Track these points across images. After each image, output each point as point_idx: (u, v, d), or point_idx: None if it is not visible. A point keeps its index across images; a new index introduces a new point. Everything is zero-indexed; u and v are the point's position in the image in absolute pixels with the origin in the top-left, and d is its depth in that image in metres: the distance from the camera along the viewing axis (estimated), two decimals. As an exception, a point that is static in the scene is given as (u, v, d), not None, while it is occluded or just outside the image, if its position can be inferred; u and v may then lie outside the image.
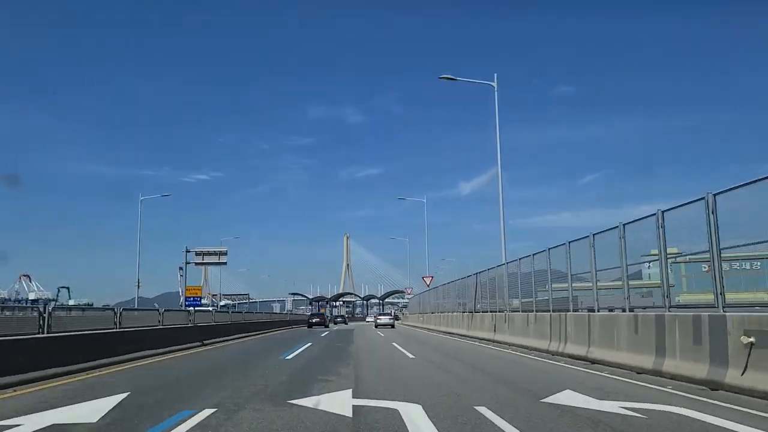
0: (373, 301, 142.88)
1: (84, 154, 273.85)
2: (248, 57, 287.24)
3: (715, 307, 8.13)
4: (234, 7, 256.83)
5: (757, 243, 7.62)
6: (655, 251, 10.01)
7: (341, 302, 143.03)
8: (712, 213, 8.21)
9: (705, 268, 8.56)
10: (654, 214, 9.81)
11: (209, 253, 55.41)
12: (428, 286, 43.15)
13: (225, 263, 57.08)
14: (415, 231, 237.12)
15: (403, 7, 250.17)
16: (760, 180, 7.30)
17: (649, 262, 10.76)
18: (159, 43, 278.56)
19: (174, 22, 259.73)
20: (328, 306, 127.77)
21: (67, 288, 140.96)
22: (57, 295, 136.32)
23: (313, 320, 53.82)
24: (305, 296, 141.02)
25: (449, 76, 24.75)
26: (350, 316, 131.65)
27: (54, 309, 11.75)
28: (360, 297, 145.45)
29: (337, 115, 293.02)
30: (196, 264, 54.64)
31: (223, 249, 56.11)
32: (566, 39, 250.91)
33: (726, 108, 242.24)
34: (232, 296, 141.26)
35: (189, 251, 53.49)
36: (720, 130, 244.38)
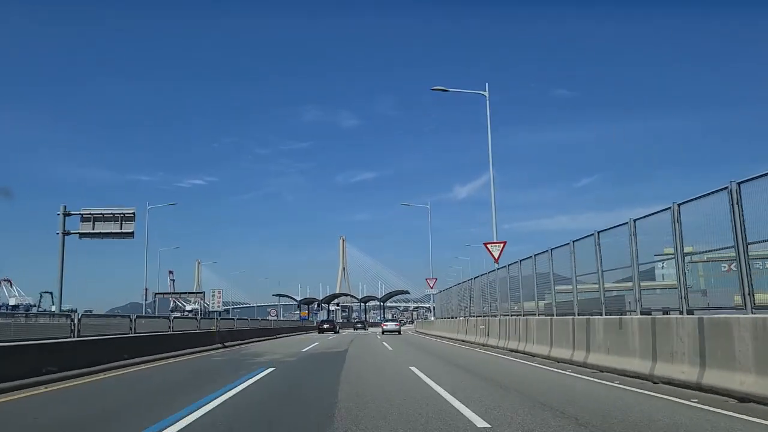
0: (372, 303, 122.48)
1: (78, 159, 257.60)
2: (245, 59, 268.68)
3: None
4: (229, 10, 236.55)
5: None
6: (669, 250, 9.59)
7: (336, 305, 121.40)
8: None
9: (725, 267, 8.46)
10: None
11: (105, 218, 34.47)
12: (497, 261, 21.44)
13: (132, 233, 36.05)
14: (415, 234, 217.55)
15: (401, 9, 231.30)
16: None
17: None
18: (157, 46, 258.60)
19: (170, 24, 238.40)
20: (320, 310, 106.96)
21: (50, 293, 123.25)
22: (39, 301, 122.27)
23: (324, 326, 52.61)
24: (293, 298, 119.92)
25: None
26: (346, 321, 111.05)
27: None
28: (357, 299, 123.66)
29: (333, 119, 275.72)
30: (81, 235, 33.67)
31: (128, 210, 35.18)
32: (565, 41, 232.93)
33: (726, 108, 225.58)
34: (182, 294, 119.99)
35: (70, 214, 32.35)
36: (720, 130, 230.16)
